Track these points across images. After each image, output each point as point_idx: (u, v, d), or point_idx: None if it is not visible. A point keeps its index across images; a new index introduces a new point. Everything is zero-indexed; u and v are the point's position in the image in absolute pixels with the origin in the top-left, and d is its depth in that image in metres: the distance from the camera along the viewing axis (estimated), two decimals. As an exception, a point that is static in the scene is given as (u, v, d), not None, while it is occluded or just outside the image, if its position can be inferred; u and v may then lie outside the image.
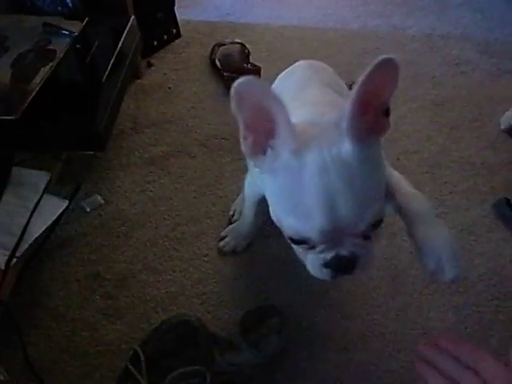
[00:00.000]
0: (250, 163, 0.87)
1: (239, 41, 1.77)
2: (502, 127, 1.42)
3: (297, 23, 2.02)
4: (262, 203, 0.89)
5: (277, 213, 0.59)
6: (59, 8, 1.33)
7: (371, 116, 0.54)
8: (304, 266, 0.63)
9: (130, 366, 0.83)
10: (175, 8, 1.94)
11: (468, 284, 1.02)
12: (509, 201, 1.15)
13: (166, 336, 0.86)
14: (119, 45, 1.34)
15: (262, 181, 0.65)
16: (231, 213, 1.17)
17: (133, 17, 1.45)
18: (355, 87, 0.49)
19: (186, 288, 1.02)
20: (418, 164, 1.31)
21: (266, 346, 0.86)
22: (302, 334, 0.95)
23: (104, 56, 1.29)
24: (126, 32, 1.40)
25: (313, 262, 0.60)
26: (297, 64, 1.04)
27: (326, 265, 0.59)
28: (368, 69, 0.48)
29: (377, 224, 0.56)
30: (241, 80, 0.49)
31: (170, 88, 1.62)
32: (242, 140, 0.56)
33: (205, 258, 1.08)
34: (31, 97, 0.98)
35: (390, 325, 0.96)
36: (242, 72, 1.57)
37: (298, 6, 2.15)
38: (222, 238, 1.11)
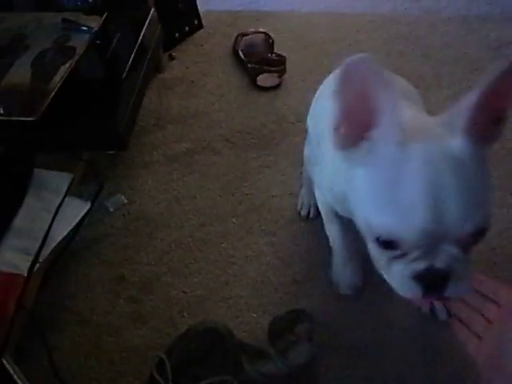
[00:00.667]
0: (313, 173, 0.83)
1: (263, 30, 1.71)
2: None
3: (323, 9, 1.93)
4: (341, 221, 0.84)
5: (366, 210, 0.52)
6: (78, 3, 1.31)
7: (488, 123, 0.49)
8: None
9: (156, 374, 0.81)
10: (196, -2, 1.90)
11: None
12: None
13: (192, 343, 0.83)
14: (139, 39, 1.31)
15: (343, 177, 0.59)
16: (299, 207, 1.11)
17: (153, 9, 1.41)
18: (479, 88, 0.45)
19: (212, 291, 0.99)
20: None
21: (295, 354, 0.82)
22: (334, 340, 0.90)
23: (124, 51, 1.26)
24: (146, 25, 1.36)
25: (399, 274, 0.52)
26: None
27: (417, 278, 0.50)
28: (496, 71, 0.44)
29: (481, 234, 0.49)
30: (355, 57, 0.45)
31: (192, 81, 1.58)
32: (332, 130, 0.52)
33: (231, 260, 1.04)
34: (51, 97, 0.96)
35: (426, 330, 0.90)
36: (267, 63, 1.51)
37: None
38: (337, 285, 0.95)
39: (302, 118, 1.20)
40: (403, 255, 0.50)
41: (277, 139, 1.31)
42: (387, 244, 0.50)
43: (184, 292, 0.99)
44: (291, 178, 1.20)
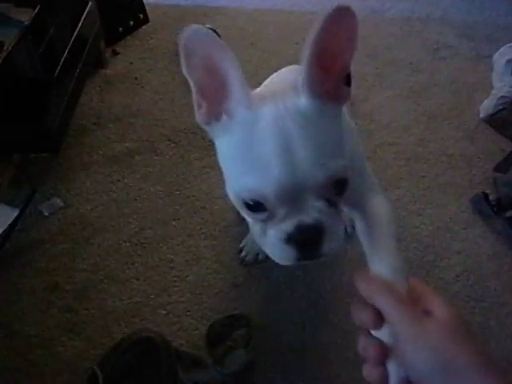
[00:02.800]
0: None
1: (209, 26, 1.67)
2: (481, 116, 1.37)
3: (271, 6, 1.93)
4: None
5: (231, 180, 0.53)
6: (7, -6, 1.23)
7: (331, 81, 0.50)
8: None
9: (88, 388, 0.78)
10: (142, -9, 1.84)
11: (444, 285, 0.98)
12: (487, 195, 1.11)
13: (125, 354, 0.81)
14: (76, 33, 1.25)
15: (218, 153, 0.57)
16: (241, 246, 1.06)
17: (91, 2, 1.34)
18: (308, 38, 0.45)
19: (151, 298, 0.97)
20: (395, 157, 1.26)
21: (232, 361, 0.82)
22: (273, 345, 0.90)
23: (59, 46, 1.20)
24: (83, 18, 1.31)
25: (273, 239, 0.51)
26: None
27: (289, 238, 0.50)
28: (321, 18, 0.44)
29: (340, 187, 0.50)
30: (186, 32, 0.45)
31: (136, 78, 1.53)
32: (196, 109, 0.53)
33: (170, 265, 1.02)
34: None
35: (363, 331, 0.92)
36: (212, 60, 1.48)
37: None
38: (241, 249, 1.04)
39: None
40: (272, 217, 0.51)
41: (221, 139, 1.30)
42: (255, 207, 0.50)
43: (121, 299, 0.96)
44: (234, 180, 1.19)
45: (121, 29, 1.71)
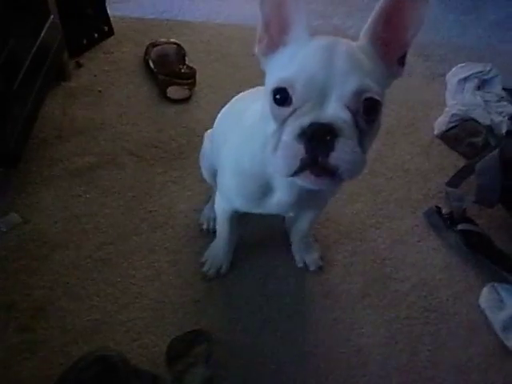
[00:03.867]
0: (220, 181, 0.84)
1: (174, 40, 1.69)
2: (436, 132, 1.44)
3: (237, 21, 1.96)
4: (235, 218, 0.92)
5: (272, 72, 0.59)
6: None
7: (391, 48, 0.57)
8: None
9: (43, 409, 0.76)
10: (106, 3, 1.83)
11: (399, 297, 1.02)
12: (440, 209, 1.16)
13: (83, 374, 0.80)
14: (36, 46, 1.24)
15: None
16: (201, 221, 1.12)
17: (52, 16, 1.33)
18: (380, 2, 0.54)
19: (110, 314, 0.96)
20: (354, 172, 1.30)
21: (191, 378, 0.82)
22: (233, 360, 0.91)
23: (19, 59, 1.18)
24: (44, 31, 1.29)
25: (288, 136, 0.52)
26: None
27: (302, 133, 0.51)
28: None
29: (370, 109, 0.53)
30: None
31: (100, 91, 1.52)
32: (257, 43, 0.61)
33: (131, 281, 1.02)
34: None
35: (320, 344, 0.94)
36: (177, 75, 1.49)
37: (239, 3, 2.09)
38: (203, 264, 1.04)
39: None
40: (294, 113, 0.53)
41: (185, 153, 1.30)
42: (282, 100, 0.54)
43: (80, 317, 0.95)
44: (197, 194, 1.20)
45: (85, 41, 1.69)
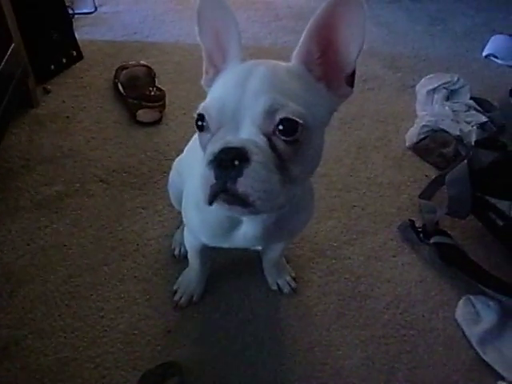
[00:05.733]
0: (184, 215, 0.82)
1: (144, 63, 1.68)
2: (407, 144, 1.44)
3: (207, 41, 1.96)
4: (205, 249, 0.89)
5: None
6: None
7: (330, 69, 0.55)
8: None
9: None
10: (75, 28, 1.82)
11: (375, 315, 1.01)
12: (413, 222, 1.16)
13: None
14: (-3, 74, 1.21)
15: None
16: (172, 247, 1.10)
17: (13, 44, 1.31)
18: (313, 15, 0.52)
19: (79, 351, 0.92)
20: (327, 187, 1.29)
21: (162, 414, 0.79)
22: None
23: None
24: (5, 60, 1.27)
25: (204, 162, 0.51)
26: None
27: (213, 159, 0.49)
28: (322, 8, 0.51)
29: (289, 130, 0.50)
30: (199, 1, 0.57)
31: (68, 117, 1.50)
32: (204, 75, 0.62)
33: (100, 313, 0.98)
34: None
35: (297, 369, 0.92)
36: (146, 98, 1.48)
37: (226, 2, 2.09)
38: (175, 292, 1.01)
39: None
40: (212, 138, 0.53)
41: (155, 177, 1.28)
42: (202, 126, 0.54)
43: (46, 355, 0.91)
44: (168, 219, 1.17)
45: (53, 66, 1.67)
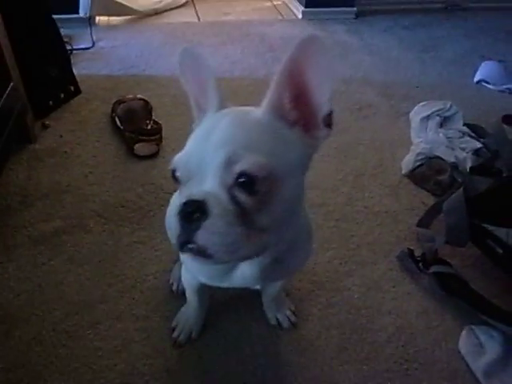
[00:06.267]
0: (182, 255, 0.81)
1: (141, 96, 1.71)
2: (403, 172, 1.45)
3: (203, 73, 1.99)
4: (204, 289, 0.89)
5: None
6: None
7: (304, 113, 0.55)
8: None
9: None
10: (73, 63, 1.86)
11: (377, 348, 0.99)
12: (412, 251, 1.15)
13: None
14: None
15: None
16: (170, 282, 1.09)
17: (12, 83, 1.34)
18: (279, 69, 0.53)
19: (75, 393, 0.90)
20: (325, 218, 1.29)
21: None
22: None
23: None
24: (4, 97, 1.29)
25: (173, 213, 0.53)
26: None
27: (178, 211, 0.51)
28: (294, 45, 0.51)
29: (248, 184, 0.49)
30: (180, 51, 0.61)
31: (66, 152, 1.52)
32: (196, 120, 0.63)
33: (98, 353, 0.97)
34: None
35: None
36: (143, 132, 1.50)
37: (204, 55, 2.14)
38: (174, 329, 1.00)
39: (176, 189, 1.20)
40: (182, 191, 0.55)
41: (153, 211, 1.29)
42: (175, 178, 0.56)
43: (41, 399, 0.89)
44: (166, 253, 1.17)
45: (51, 102, 1.70)
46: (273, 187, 0.51)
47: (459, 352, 0.98)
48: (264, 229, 0.52)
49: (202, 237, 0.49)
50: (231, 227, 0.50)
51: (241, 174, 0.49)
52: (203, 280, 0.78)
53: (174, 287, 1.08)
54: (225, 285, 0.73)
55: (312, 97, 0.54)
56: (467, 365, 0.96)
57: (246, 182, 0.50)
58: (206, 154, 0.51)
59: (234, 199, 0.50)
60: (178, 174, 0.55)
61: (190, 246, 0.51)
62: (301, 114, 0.55)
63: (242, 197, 0.50)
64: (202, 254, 0.50)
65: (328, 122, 0.56)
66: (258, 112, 0.55)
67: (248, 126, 0.54)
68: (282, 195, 0.52)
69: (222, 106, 0.59)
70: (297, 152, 0.55)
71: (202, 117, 0.60)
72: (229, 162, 0.49)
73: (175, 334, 0.99)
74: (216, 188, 0.50)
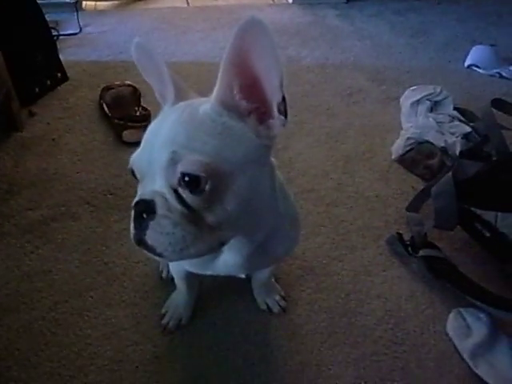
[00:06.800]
0: None
1: (129, 82, 1.68)
2: (393, 157, 1.45)
3: (193, 59, 1.97)
4: (191, 276, 0.89)
5: None
6: None
7: (257, 102, 0.53)
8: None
9: None
10: (59, 49, 1.83)
11: (366, 332, 1.00)
12: (401, 235, 1.15)
13: None
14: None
15: None
16: (160, 269, 1.09)
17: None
18: (224, 55, 0.50)
19: (65, 380, 0.90)
20: (315, 203, 1.29)
21: None
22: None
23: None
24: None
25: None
26: None
27: (133, 210, 0.53)
28: (234, 31, 0.48)
29: (192, 183, 0.49)
30: (132, 46, 0.60)
31: (53, 139, 1.50)
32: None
33: (87, 341, 0.97)
34: None
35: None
36: (132, 119, 1.48)
37: (193, 42, 2.12)
38: (163, 316, 1.00)
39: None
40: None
41: (142, 198, 1.27)
42: (135, 176, 0.57)
43: (31, 387, 0.89)
44: (156, 240, 1.16)
45: (37, 89, 1.67)
46: (220, 185, 0.50)
47: (447, 334, 1.00)
48: (217, 225, 0.52)
49: (150, 236, 0.51)
50: (177, 227, 0.50)
51: (183, 174, 0.49)
52: (187, 267, 0.78)
53: (164, 274, 1.08)
54: (209, 272, 0.73)
55: (262, 84, 0.51)
56: (454, 346, 0.97)
57: (190, 182, 0.49)
58: (153, 154, 0.51)
59: (180, 198, 0.51)
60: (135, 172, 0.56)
61: (143, 244, 0.53)
62: (253, 103, 0.52)
63: (188, 196, 0.50)
64: (152, 252, 0.52)
65: (282, 109, 0.53)
66: (207, 106, 0.53)
67: (193, 124, 0.51)
68: (233, 191, 0.51)
69: (180, 97, 0.57)
70: (249, 145, 0.53)
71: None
72: (171, 162, 0.49)
73: (165, 321, 0.99)
74: (163, 187, 0.51)
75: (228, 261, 0.67)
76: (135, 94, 1.64)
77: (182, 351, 0.95)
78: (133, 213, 0.53)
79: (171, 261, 0.57)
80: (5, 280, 1.07)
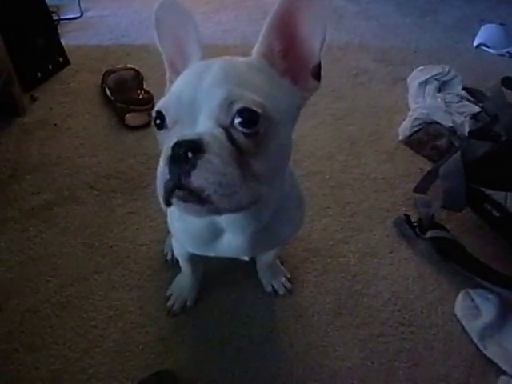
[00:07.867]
0: (169, 224, 0.78)
1: (131, 66, 1.66)
2: (400, 138, 1.42)
3: (195, 41, 1.94)
4: (195, 258, 0.87)
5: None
6: None
7: (295, 63, 0.53)
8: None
9: None
10: (61, 33, 1.80)
11: (373, 313, 0.99)
12: (408, 217, 1.14)
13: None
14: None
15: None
16: (165, 252, 1.08)
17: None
18: (272, 9, 0.50)
19: (71, 362, 0.90)
20: (321, 185, 1.27)
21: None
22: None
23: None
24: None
25: (161, 160, 0.48)
26: None
27: (168, 155, 0.46)
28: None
29: (244, 115, 0.47)
30: (157, 5, 0.57)
31: (56, 124, 1.48)
32: (168, 84, 0.61)
33: (92, 323, 0.96)
34: None
35: (294, 373, 0.90)
36: (134, 102, 1.46)
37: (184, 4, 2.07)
38: (168, 298, 0.99)
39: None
40: (169, 135, 0.50)
41: (145, 182, 1.26)
42: (160, 124, 0.51)
43: (37, 368, 0.89)
44: (160, 223, 1.15)
45: (39, 74, 1.65)
46: (270, 130, 0.49)
47: (455, 315, 0.98)
48: (259, 176, 0.49)
49: (198, 176, 0.45)
50: (229, 167, 0.46)
51: (240, 113, 0.47)
52: (190, 249, 0.76)
53: (169, 257, 1.07)
54: (212, 254, 0.71)
55: (303, 47, 0.53)
56: (462, 327, 0.96)
57: (246, 121, 0.47)
58: (199, 94, 0.48)
59: (231, 139, 0.47)
60: (163, 118, 0.51)
61: (180, 192, 0.46)
62: (290, 64, 0.53)
63: (241, 137, 0.47)
64: (196, 199, 0.46)
65: (317, 73, 0.54)
66: (250, 58, 0.54)
67: (243, 69, 0.51)
68: (277, 141, 0.50)
69: (202, 56, 0.57)
70: (290, 101, 0.53)
71: (175, 77, 0.56)
72: (227, 102, 0.47)
73: (170, 303, 0.98)
74: (213, 128, 0.47)
75: (232, 242, 0.65)
76: (137, 77, 1.62)
77: (187, 333, 0.95)
78: (168, 156, 0.46)
79: (213, 211, 0.47)
80: (9, 264, 1.07)
